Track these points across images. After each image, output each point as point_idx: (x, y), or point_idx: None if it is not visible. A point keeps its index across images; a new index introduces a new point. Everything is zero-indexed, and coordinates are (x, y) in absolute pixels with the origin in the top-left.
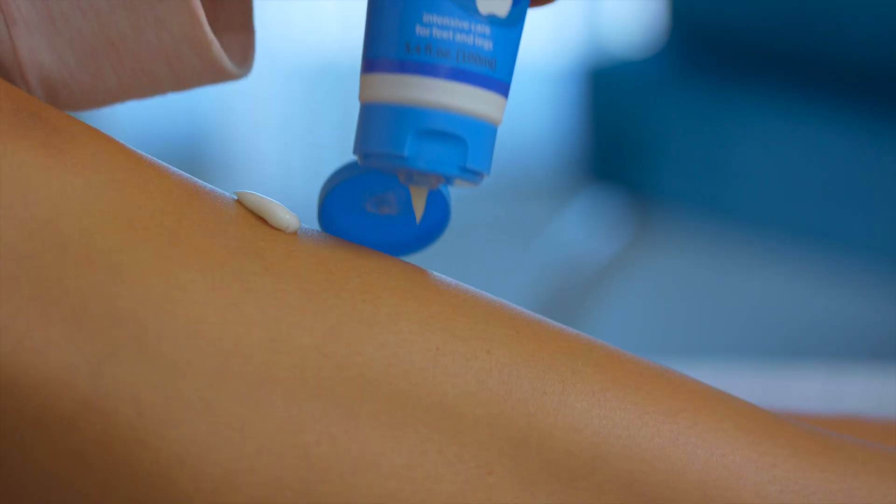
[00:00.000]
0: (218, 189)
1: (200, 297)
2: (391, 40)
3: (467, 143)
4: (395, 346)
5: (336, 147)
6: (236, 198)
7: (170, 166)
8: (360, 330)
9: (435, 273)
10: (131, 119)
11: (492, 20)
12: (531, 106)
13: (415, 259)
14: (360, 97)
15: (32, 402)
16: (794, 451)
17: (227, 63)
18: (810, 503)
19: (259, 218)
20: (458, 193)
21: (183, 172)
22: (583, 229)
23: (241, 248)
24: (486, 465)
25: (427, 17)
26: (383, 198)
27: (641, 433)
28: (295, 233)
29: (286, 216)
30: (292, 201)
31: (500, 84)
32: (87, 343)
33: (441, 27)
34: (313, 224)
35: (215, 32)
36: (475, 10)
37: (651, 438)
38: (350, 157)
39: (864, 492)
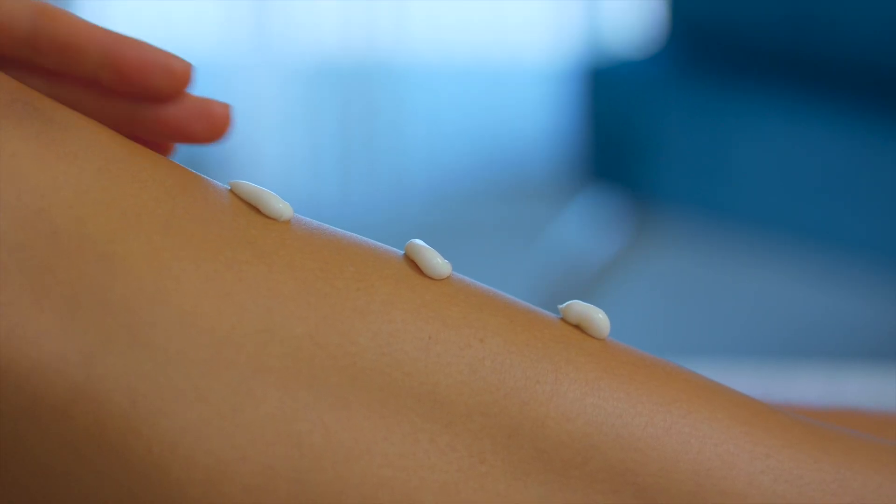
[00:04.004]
0: (211, 178)
1: (193, 287)
2: None
3: None
4: (387, 336)
5: (336, 147)
6: (230, 187)
7: (163, 156)
8: (353, 319)
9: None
10: None
11: None
12: (531, 106)
13: None
14: None
15: (25, 392)
16: (788, 442)
17: None
18: (804, 494)
19: (252, 207)
20: (456, 194)
21: (176, 162)
22: (583, 229)
23: (235, 237)
24: (479, 454)
25: None
26: None
27: (635, 422)
28: (288, 221)
29: (279, 205)
30: (293, 201)
31: None
32: (79, 333)
33: None
34: (306, 214)
35: None
36: None
37: (644, 427)
38: (346, 153)
39: (857, 483)
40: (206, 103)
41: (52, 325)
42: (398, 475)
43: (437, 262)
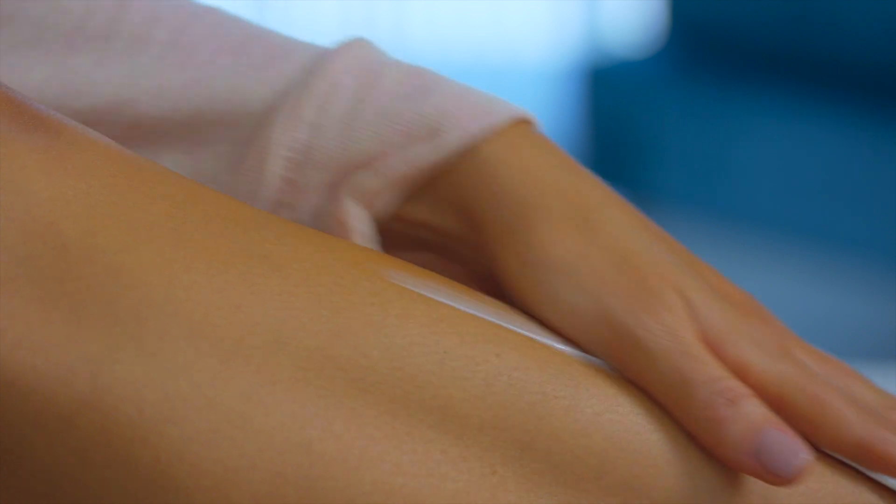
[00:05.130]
0: (221, 193)
1: (203, 298)
2: None
3: None
4: (400, 350)
5: None
6: (238, 201)
7: (172, 171)
8: (366, 333)
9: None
10: None
11: None
12: (531, 106)
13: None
14: None
15: (31, 401)
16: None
17: None
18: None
19: (268, 216)
20: None
21: (185, 177)
22: None
23: (248, 251)
24: (490, 465)
25: None
26: None
27: (653, 438)
28: (300, 228)
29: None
30: None
31: None
32: (87, 343)
33: None
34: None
35: None
36: None
37: (662, 443)
38: None
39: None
40: None
41: (58, 335)
42: (409, 483)
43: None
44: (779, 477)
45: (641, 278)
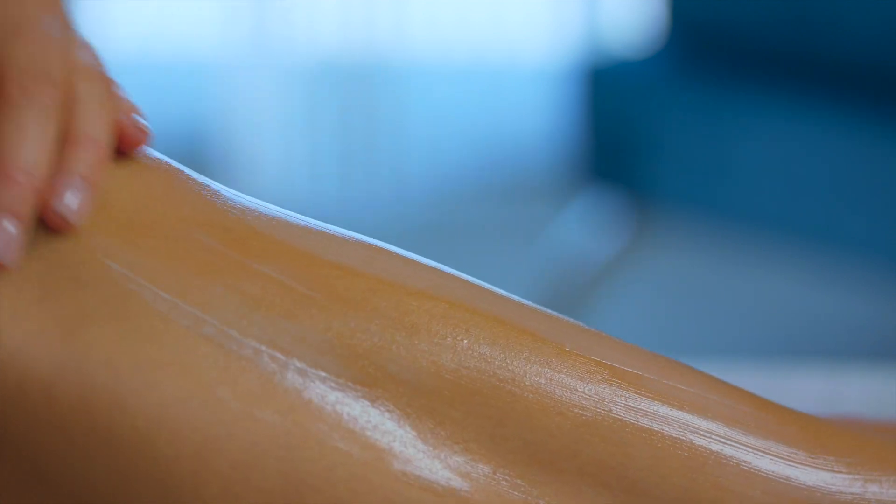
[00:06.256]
0: (211, 179)
1: (162, 266)
2: None
3: None
4: (365, 321)
5: (336, 147)
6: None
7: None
8: (331, 303)
9: (415, 255)
10: None
11: None
12: (531, 106)
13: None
14: None
15: (12, 373)
16: (781, 437)
17: None
18: (803, 484)
19: (233, 191)
20: (456, 194)
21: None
22: (583, 229)
23: (207, 220)
24: (464, 442)
25: None
26: None
27: (626, 416)
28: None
29: None
30: (293, 201)
31: None
32: (57, 307)
33: None
34: (307, 214)
35: None
36: None
37: (636, 420)
38: (346, 153)
39: (841, 465)
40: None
41: (29, 301)
42: (383, 455)
43: None
44: None
45: None
